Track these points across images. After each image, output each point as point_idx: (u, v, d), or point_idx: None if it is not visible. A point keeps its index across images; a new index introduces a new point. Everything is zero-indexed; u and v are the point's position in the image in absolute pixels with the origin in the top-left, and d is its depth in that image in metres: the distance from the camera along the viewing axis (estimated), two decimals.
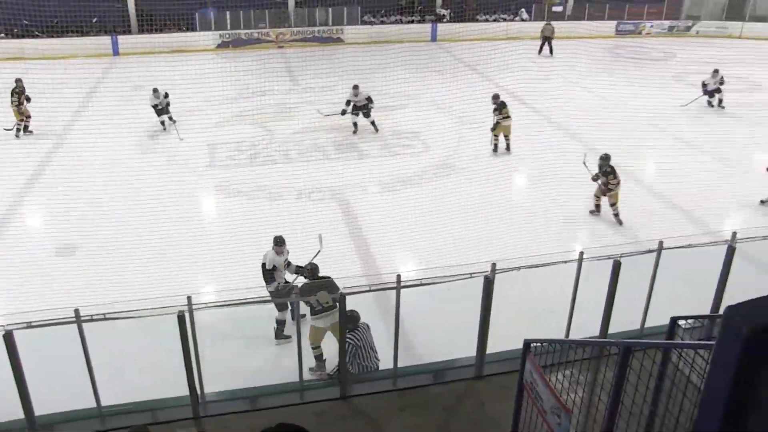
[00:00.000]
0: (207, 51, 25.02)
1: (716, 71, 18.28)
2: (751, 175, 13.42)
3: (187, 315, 5.58)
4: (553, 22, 25.91)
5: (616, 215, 11.55)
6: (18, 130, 15.84)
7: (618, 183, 11.45)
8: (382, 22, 26.65)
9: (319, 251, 8.21)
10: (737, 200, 12.69)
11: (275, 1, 25.92)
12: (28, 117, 15.99)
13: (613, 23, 29.58)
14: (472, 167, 13.64)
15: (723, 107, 18.34)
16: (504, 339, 6.39)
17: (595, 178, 11.65)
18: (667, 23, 30.54)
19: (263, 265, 8.14)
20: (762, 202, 12.44)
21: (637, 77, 21.66)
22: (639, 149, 15.07)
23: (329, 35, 26.03)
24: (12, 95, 15.74)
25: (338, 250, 9.76)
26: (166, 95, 15.93)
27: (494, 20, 27.71)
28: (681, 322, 4.65)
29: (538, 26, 26.96)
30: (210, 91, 16.45)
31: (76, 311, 5.46)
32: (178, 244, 10.28)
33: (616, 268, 7.28)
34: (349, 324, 7.06)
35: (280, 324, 8.10)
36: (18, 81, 15.90)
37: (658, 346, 3.85)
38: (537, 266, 6.68)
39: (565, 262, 7.23)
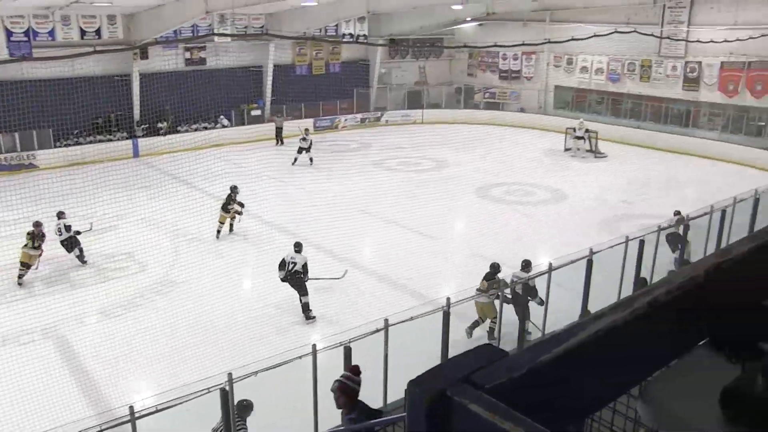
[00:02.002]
0: None
1: None
2: (454, 243, 15.62)
3: None
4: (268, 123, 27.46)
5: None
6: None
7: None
8: (78, 143, 25.79)
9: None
10: (447, 268, 14.65)
11: None
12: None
13: (310, 121, 32.19)
14: (192, 279, 13.78)
15: None
16: None
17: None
18: (359, 116, 34.09)
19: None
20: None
21: (339, 168, 23.93)
22: (353, 235, 16.58)
23: (19, 162, 24.44)
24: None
25: (59, 396, 9.20)
26: None
27: (195, 129, 28.46)
28: None
29: (240, 131, 28.46)
30: None
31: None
32: None
33: (347, 353, 8.05)
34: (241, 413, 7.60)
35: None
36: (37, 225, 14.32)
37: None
38: (271, 368, 7.12)
39: (300, 357, 7.83)
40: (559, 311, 11.01)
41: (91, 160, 23.95)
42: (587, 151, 27.73)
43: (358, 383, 6.06)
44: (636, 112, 31.86)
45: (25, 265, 14.10)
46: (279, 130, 29.36)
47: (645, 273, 11.96)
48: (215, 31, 27.55)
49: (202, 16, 25.93)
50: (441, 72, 38.94)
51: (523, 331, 10.77)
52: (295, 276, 12.35)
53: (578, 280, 11.22)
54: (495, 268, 11.64)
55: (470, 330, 11.39)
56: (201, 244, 15.55)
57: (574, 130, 28.09)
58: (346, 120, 33.60)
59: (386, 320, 8.71)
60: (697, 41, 26.32)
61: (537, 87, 35.77)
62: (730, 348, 1.35)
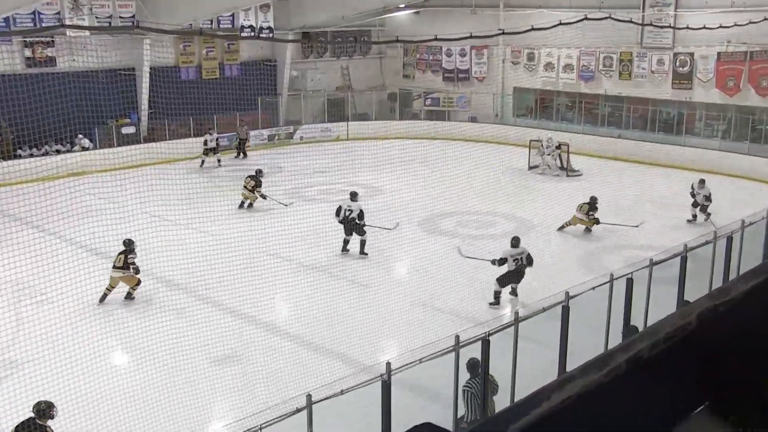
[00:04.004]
0: None
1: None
2: (394, 292, 15.66)
3: None
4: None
5: None
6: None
7: None
8: None
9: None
10: (387, 325, 14.66)
11: None
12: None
13: (202, 140, 31.88)
14: (40, 357, 13.32)
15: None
16: None
17: None
18: (265, 132, 34.07)
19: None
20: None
21: (238, 199, 23.80)
22: (260, 286, 16.47)
23: None
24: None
25: None
26: None
27: (45, 154, 27.80)
28: None
29: (108, 154, 27.88)
30: None
31: None
32: None
33: None
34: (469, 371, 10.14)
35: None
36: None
37: None
38: None
39: None
40: (529, 374, 11.10)
41: None
42: (558, 168, 28.41)
43: None
44: (616, 117, 32.89)
45: None
46: (242, 142, 32.12)
47: (637, 320, 12.23)
48: (66, 23, 26.93)
49: (47, 0, 25.41)
50: (369, 74, 39.46)
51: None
52: (351, 222, 18.79)
53: (553, 333, 11.37)
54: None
55: None
56: (53, 307, 15.04)
57: (541, 144, 28.76)
58: (249, 137, 33.50)
59: (309, 396, 8.63)
60: (687, 28, 27.38)
61: (491, 90, 36.62)
62: (734, 413, 1.37)
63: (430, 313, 15.01)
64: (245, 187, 23.94)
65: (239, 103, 33.16)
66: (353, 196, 19.36)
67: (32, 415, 9.81)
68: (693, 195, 21.93)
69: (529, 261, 15.93)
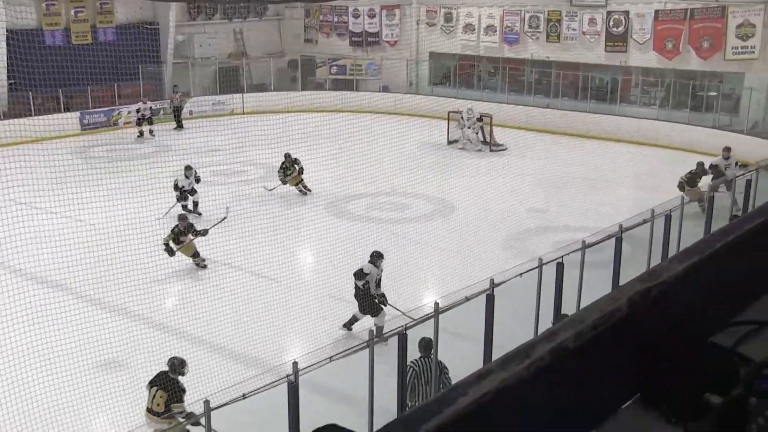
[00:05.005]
0: None
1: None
2: (301, 285, 15.64)
3: None
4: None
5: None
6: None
7: None
8: None
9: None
10: (292, 322, 14.66)
11: None
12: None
13: (75, 115, 31.16)
14: None
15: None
16: None
17: None
18: (149, 105, 33.47)
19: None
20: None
21: (123, 184, 23.31)
22: (150, 282, 16.27)
23: None
24: None
25: None
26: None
27: None
28: None
29: None
30: None
31: None
32: None
33: None
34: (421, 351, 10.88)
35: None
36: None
37: None
38: None
39: None
40: (450, 370, 11.27)
41: None
42: (481, 142, 28.70)
43: None
44: (544, 85, 33.39)
45: None
46: (177, 110, 32.90)
47: (569, 308, 12.49)
48: None
49: None
50: (267, 39, 39.19)
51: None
52: (366, 294, 14.66)
53: (478, 324, 11.53)
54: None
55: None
56: None
57: (461, 116, 28.97)
58: (129, 113, 32.90)
59: (207, 402, 8.60)
60: None
61: (404, 56, 36.71)
62: (668, 404, 1.42)
63: (342, 305, 15.03)
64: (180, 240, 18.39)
65: (117, 73, 32.47)
66: (376, 258, 14.98)
67: (166, 368, 11.29)
68: (715, 170, 20.69)
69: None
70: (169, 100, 33.31)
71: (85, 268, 16.26)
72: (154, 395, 11.14)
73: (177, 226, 18.00)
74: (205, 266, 18.21)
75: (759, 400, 1.25)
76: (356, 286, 14.67)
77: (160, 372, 11.37)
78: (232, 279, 16.76)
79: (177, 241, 17.65)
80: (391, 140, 27.17)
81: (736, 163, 20.74)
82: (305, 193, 23.81)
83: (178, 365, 11.34)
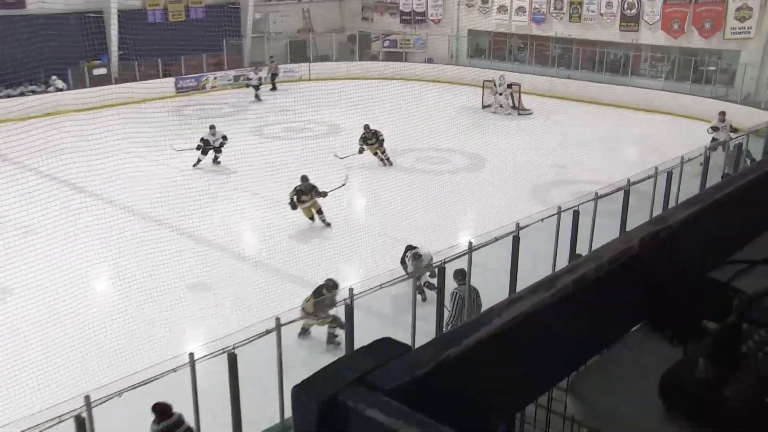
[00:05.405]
0: None
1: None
2: (357, 223, 15.70)
3: None
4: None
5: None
6: None
7: None
8: None
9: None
10: (350, 253, 14.74)
11: None
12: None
13: (171, 80, 31.36)
14: (29, 283, 13.26)
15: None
16: None
17: None
18: (231, 73, 33.51)
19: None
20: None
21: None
22: (234, 218, 16.44)
23: None
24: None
25: None
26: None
27: (21, 94, 27.23)
28: None
29: (81, 95, 27.26)
30: None
31: None
32: None
33: (232, 361, 8.06)
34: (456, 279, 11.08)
35: None
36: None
37: None
38: (138, 385, 7.03)
39: (175, 370, 7.78)
40: (482, 297, 11.33)
41: None
42: (510, 107, 28.45)
43: None
44: (566, 59, 32.90)
45: None
46: (273, 76, 32.88)
47: (582, 248, 12.43)
48: None
49: None
50: (330, 17, 38.86)
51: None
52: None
53: (504, 260, 11.54)
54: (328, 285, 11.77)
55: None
56: (37, 237, 14.88)
57: (494, 83, 28.73)
58: (215, 78, 33.02)
59: (278, 319, 8.71)
60: None
61: (447, 32, 36.32)
62: (670, 328, 1.42)
63: (389, 243, 15.07)
64: (301, 199, 17.10)
65: (205, 45, 32.53)
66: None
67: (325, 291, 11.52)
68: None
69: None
70: (266, 68, 33.10)
71: (178, 204, 16.49)
72: (309, 299, 11.40)
73: (300, 185, 16.85)
74: (328, 224, 17.00)
75: (749, 326, 1.25)
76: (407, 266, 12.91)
77: (319, 287, 11.67)
78: (300, 219, 16.87)
79: (299, 200, 16.77)
80: (435, 105, 27.06)
81: (730, 126, 20.35)
82: (385, 164, 21.86)
83: (331, 285, 11.59)
